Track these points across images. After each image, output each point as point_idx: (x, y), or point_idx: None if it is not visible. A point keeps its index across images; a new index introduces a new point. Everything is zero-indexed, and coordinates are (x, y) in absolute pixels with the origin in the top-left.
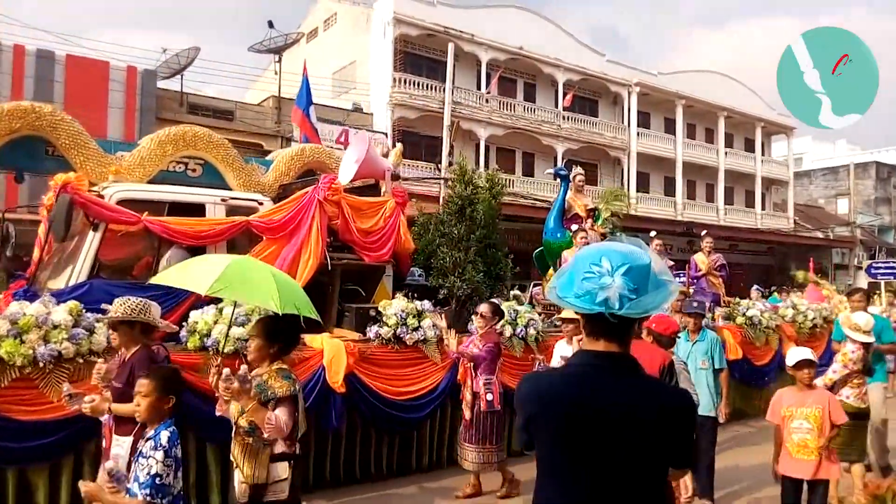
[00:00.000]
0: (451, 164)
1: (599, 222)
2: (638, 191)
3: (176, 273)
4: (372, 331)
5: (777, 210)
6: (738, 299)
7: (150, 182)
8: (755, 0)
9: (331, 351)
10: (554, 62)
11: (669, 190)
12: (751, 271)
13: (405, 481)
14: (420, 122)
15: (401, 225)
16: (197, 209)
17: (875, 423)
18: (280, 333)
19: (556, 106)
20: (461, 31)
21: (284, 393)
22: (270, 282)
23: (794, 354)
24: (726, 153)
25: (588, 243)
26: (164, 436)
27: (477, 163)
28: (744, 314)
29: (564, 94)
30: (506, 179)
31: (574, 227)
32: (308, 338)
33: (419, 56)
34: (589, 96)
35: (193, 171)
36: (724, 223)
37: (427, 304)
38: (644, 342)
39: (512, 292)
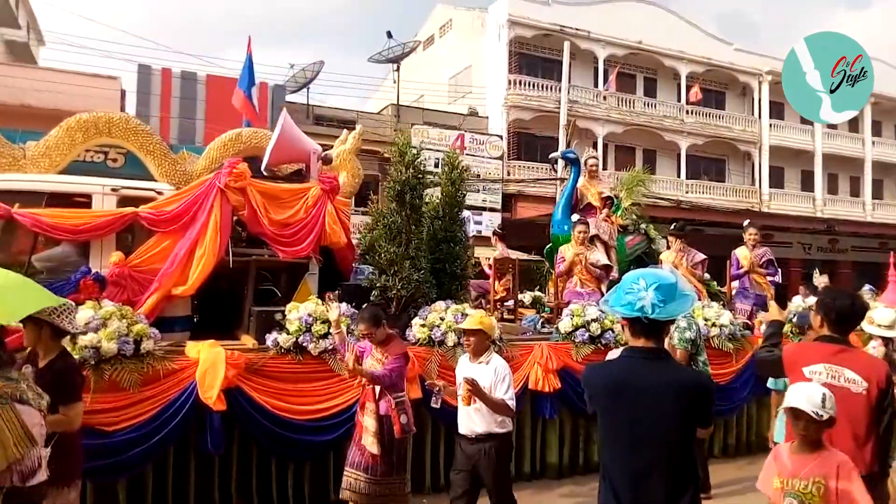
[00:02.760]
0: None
1: (619, 213)
2: (771, 186)
3: None
4: (270, 338)
5: None
6: (790, 301)
7: (62, 173)
8: None
9: (206, 361)
10: (676, 54)
11: (807, 185)
12: None
13: None
14: (535, 123)
15: (327, 215)
16: (84, 200)
17: None
18: None
19: (679, 100)
20: (577, 29)
21: None
22: None
23: (792, 395)
24: (874, 142)
25: (588, 238)
26: None
27: None
28: (790, 320)
29: (688, 88)
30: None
31: (574, 217)
32: (190, 345)
33: (534, 56)
34: (715, 88)
35: (114, 160)
36: (871, 220)
37: (345, 307)
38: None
39: (531, 293)
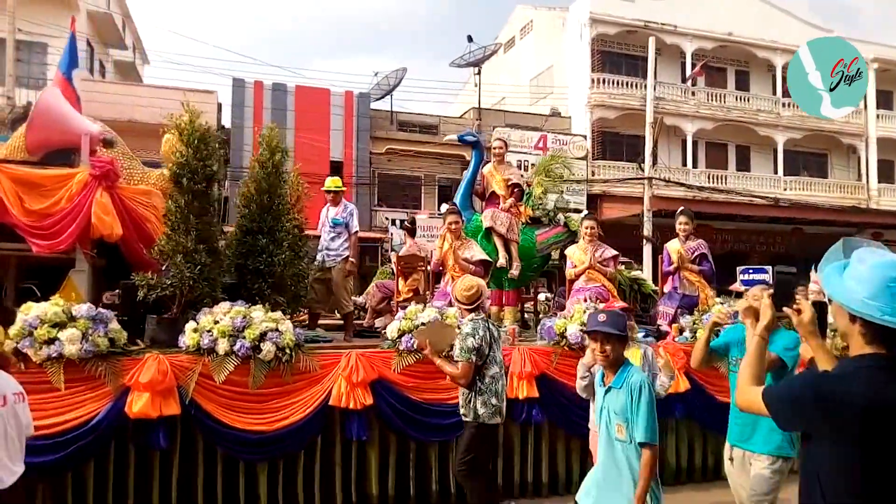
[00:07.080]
0: (655, 162)
1: (529, 203)
2: (880, 181)
3: None
4: None
5: None
6: (717, 301)
7: None
8: None
9: None
10: (770, 45)
11: None
12: None
13: None
14: (620, 122)
15: (95, 205)
16: None
17: None
18: None
19: (774, 93)
20: (662, 24)
21: None
22: None
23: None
24: None
25: (461, 232)
26: None
27: (684, 160)
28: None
29: (783, 79)
30: (717, 176)
31: (443, 207)
32: None
33: (618, 54)
34: None
35: None
36: None
37: (85, 308)
38: None
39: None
